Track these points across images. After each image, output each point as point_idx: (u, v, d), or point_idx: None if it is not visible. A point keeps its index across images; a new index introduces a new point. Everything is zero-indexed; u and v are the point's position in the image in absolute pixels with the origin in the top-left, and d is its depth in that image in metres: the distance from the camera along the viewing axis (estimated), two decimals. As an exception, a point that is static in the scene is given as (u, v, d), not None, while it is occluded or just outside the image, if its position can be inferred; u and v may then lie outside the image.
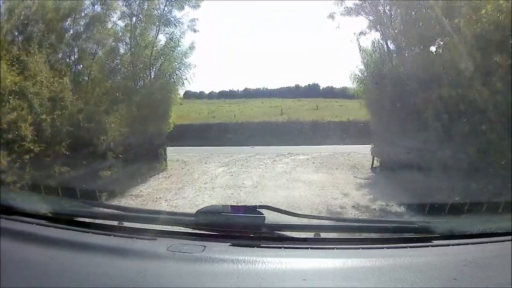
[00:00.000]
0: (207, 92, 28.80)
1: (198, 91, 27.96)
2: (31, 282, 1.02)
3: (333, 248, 1.22)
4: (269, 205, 1.42)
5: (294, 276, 1.05)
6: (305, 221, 1.44)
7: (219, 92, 28.82)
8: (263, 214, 1.34)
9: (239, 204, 1.44)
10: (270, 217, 1.36)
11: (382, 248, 1.23)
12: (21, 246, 1.21)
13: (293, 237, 1.30)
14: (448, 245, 1.24)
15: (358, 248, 1.21)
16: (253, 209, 1.36)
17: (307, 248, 1.21)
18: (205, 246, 1.17)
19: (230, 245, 1.20)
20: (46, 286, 1.00)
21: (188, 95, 26.43)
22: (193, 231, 1.31)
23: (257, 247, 1.20)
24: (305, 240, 1.29)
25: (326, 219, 1.56)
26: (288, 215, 1.44)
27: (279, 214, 1.42)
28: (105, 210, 1.51)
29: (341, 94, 20.97)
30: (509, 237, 1.27)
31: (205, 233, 1.30)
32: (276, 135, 14.81)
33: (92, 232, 1.30)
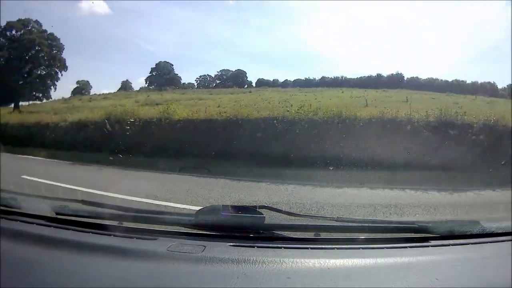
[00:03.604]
0: (281, 80, 26.68)
1: (271, 79, 26.54)
2: (31, 282, 1.02)
3: (333, 248, 1.22)
4: (269, 205, 1.42)
5: (294, 276, 1.05)
6: (305, 221, 1.45)
7: (294, 80, 26.22)
8: (263, 214, 1.34)
9: (239, 204, 1.44)
10: (270, 217, 1.36)
11: (382, 248, 1.23)
12: (21, 246, 1.21)
13: (293, 237, 1.30)
14: (448, 245, 1.24)
15: (358, 248, 1.21)
16: (253, 209, 1.37)
17: (307, 248, 1.21)
18: (205, 246, 1.17)
19: (230, 245, 1.20)
20: (46, 286, 1.01)
21: (261, 83, 25.52)
22: (193, 231, 1.31)
23: (257, 247, 1.20)
24: (305, 240, 1.29)
25: (326, 219, 1.56)
26: (288, 215, 1.44)
27: (279, 214, 1.42)
28: (105, 210, 1.51)
29: (428, 85, 19.20)
30: (509, 237, 1.27)
31: (205, 233, 1.30)
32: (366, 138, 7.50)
33: (92, 232, 1.30)
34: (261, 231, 1.29)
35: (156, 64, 26.58)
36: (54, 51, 24.66)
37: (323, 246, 1.24)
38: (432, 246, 1.24)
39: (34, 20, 24.38)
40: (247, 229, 1.30)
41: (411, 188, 5.41)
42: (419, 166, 6.18)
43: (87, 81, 29.54)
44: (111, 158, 8.61)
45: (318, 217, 1.60)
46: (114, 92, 26.38)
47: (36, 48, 24.08)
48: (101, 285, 1.01)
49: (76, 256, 1.15)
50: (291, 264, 1.09)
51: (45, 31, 24.53)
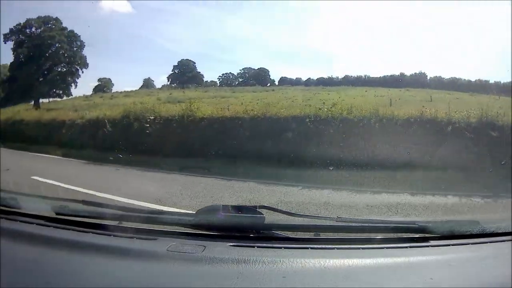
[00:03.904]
0: (304, 78, 26.08)
1: (294, 78, 25.98)
2: (31, 282, 1.02)
3: (333, 248, 1.22)
4: (269, 205, 1.43)
5: (294, 276, 1.05)
6: (305, 221, 1.44)
7: (317, 79, 25.59)
8: (263, 214, 1.34)
9: (239, 204, 1.44)
10: (270, 217, 1.36)
11: (382, 248, 1.23)
12: (21, 246, 1.21)
13: (293, 237, 1.30)
14: (448, 245, 1.24)
15: (358, 248, 1.21)
16: (253, 209, 1.37)
17: (307, 248, 1.21)
18: (205, 246, 1.17)
19: (230, 245, 1.20)
20: (46, 286, 1.01)
21: (284, 81, 25.07)
22: (193, 231, 1.31)
23: (257, 247, 1.20)
24: (305, 240, 1.29)
25: (326, 219, 1.56)
26: (288, 215, 1.44)
27: (279, 214, 1.42)
28: (105, 210, 1.51)
29: (451, 85, 18.38)
30: (508, 237, 1.27)
31: (205, 233, 1.30)
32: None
33: (92, 232, 1.30)
34: (261, 231, 1.29)
35: (178, 62, 26.43)
36: (75, 48, 24.54)
37: (323, 246, 1.24)
38: (432, 246, 1.24)
39: (54, 17, 24.23)
40: (247, 229, 1.30)
41: (472, 195, 4.73)
42: (469, 169, 5.62)
43: (109, 79, 29.47)
44: (129, 157, 7.96)
45: (318, 217, 1.60)
46: (135, 90, 26.28)
47: (56, 45, 23.97)
48: (101, 285, 1.01)
49: (76, 256, 1.15)
50: (291, 264, 1.09)
51: (65, 28, 24.38)
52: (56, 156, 10.60)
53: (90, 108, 15.21)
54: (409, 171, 5.50)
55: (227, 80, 27.15)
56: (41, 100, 24.22)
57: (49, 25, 24.17)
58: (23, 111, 16.93)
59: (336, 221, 1.42)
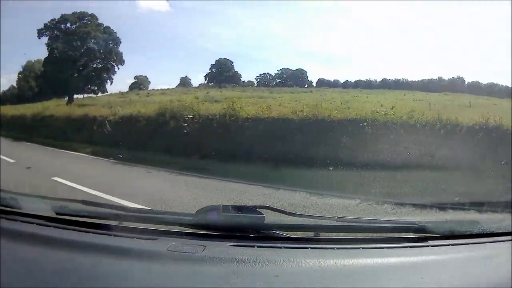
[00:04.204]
0: (342, 80, 26.13)
1: (332, 79, 26.06)
2: (31, 282, 1.02)
3: (333, 248, 1.22)
4: (269, 205, 1.43)
5: (294, 276, 1.05)
6: (305, 221, 1.44)
7: (355, 81, 25.59)
8: (263, 214, 1.34)
9: (239, 204, 1.44)
10: (270, 217, 1.36)
11: (382, 248, 1.23)
12: (21, 246, 1.21)
13: (293, 237, 1.30)
14: (448, 245, 1.24)
15: (358, 248, 1.21)
16: (253, 209, 1.37)
17: (307, 248, 1.21)
18: (205, 246, 1.17)
19: (230, 245, 1.20)
20: (46, 286, 1.01)
21: (322, 83, 25.17)
22: (193, 231, 1.31)
23: (257, 247, 1.20)
24: (305, 240, 1.29)
25: (326, 219, 1.56)
26: (288, 215, 1.44)
27: (279, 214, 1.42)
28: (105, 210, 1.51)
29: (488, 90, 18.11)
30: (509, 237, 1.27)
31: (205, 233, 1.30)
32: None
33: (92, 232, 1.30)
34: (261, 231, 1.29)
35: (216, 61, 26.39)
36: (110, 45, 24.23)
37: (323, 246, 1.24)
38: (432, 246, 1.23)
39: (89, 14, 24.02)
40: (247, 229, 1.30)
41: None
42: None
43: (145, 76, 29.39)
44: (163, 158, 7.41)
45: (318, 217, 1.60)
46: (172, 88, 26.13)
47: (92, 41, 23.71)
48: (101, 285, 1.01)
49: (76, 256, 1.15)
50: (291, 264, 1.09)
51: (101, 24, 24.09)
52: (84, 154, 9.96)
53: (125, 105, 14.33)
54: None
55: (264, 81, 27.12)
56: (75, 96, 24.11)
57: (84, 21, 23.90)
58: (53, 106, 16.56)
59: (336, 221, 1.42)
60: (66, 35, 23.61)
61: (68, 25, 23.99)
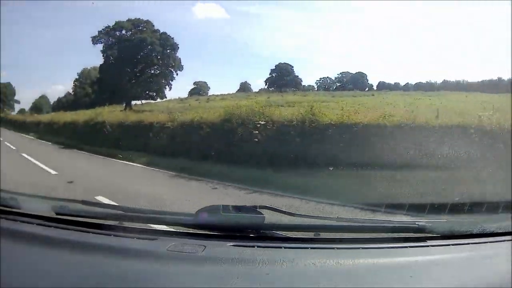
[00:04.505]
0: (402, 83, 25.79)
1: (392, 82, 25.79)
2: (31, 282, 1.02)
3: (333, 248, 1.22)
4: (269, 205, 1.43)
5: (294, 276, 1.05)
6: (305, 221, 1.44)
7: (415, 83, 25.29)
8: (263, 214, 1.34)
9: (239, 204, 1.44)
10: (270, 217, 1.36)
11: (382, 248, 1.23)
12: (21, 246, 1.21)
13: (293, 237, 1.30)
14: (448, 245, 1.24)
15: (358, 248, 1.21)
16: (253, 209, 1.37)
17: (307, 248, 1.21)
18: (205, 246, 1.17)
19: (230, 245, 1.20)
20: (46, 286, 1.01)
21: (382, 86, 25.09)
22: (193, 231, 1.31)
23: (257, 247, 1.20)
24: (305, 240, 1.29)
25: (326, 219, 1.56)
26: (288, 215, 1.44)
27: (279, 214, 1.42)
28: (105, 210, 1.51)
29: None
30: (509, 237, 1.27)
31: (205, 233, 1.30)
32: None
33: (92, 232, 1.30)
34: (261, 231, 1.29)
35: (276, 66, 26.44)
36: (168, 50, 24.15)
37: (323, 246, 1.24)
38: (432, 246, 1.23)
39: (144, 20, 24.02)
40: (247, 229, 1.30)
41: None
42: None
43: (205, 82, 29.47)
44: (230, 170, 6.47)
45: (318, 217, 1.60)
46: (232, 93, 26.10)
47: (148, 47, 23.62)
48: (101, 285, 1.01)
49: (76, 256, 1.15)
50: (291, 264, 1.09)
51: (157, 30, 24.07)
52: (138, 165, 8.88)
53: (184, 110, 13.51)
54: None
55: (324, 84, 27.26)
56: (133, 102, 24.05)
57: (140, 28, 23.88)
58: (106, 112, 15.66)
59: (336, 221, 1.42)
60: (121, 42, 23.63)
61: (123, 31, 24.03)
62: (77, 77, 29.44)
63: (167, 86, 25.01)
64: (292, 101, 13.30)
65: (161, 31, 24.03)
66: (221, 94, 25.92)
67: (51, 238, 1.26)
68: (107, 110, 16.55)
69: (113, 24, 23.76)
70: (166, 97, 25.08)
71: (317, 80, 27.78)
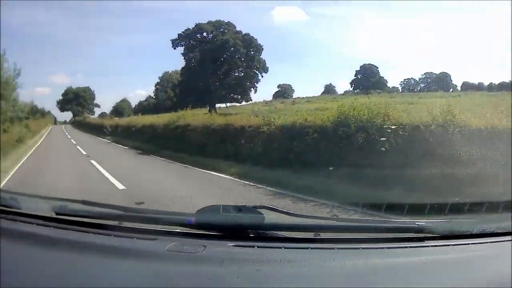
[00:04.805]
0: (486, 83, 24.89)
1: (476, 82, 24.94)
2: (31, 282, 1.02)
3: (333, 248, 1.22)
4: (269, 205, 1.43)
5: (294, 276, 1.05)
6: (305, 221, 1.44)
7: (499, 83, 23.60)
8: (262, 214, 1.35)
9: (239, 204, 1.44)
10: (270, 217, 1.36)
11: (382, 248, 1.23)
12: (21, 246, 1.21)
13: (293, 237, 1.30)
14: (448, 245, 1.24)
15: (358, 248, 1.21)
16: (253, 209, 1.37)
17: (307, 248, 1.21)
18: (205, 246, 1.17)
19: (230, 245, 1.20)
20: (46, 286, 1.01)
21: (466, 86, 24.41)
22: (193, 231, 1.31)
23: (257, 247, 1.20)
24: (305, 240, 1.29)
25: (326, 219, 1.56)
26: (287, 215, 1.44)
27: (279, 214, 1.42)
28: (105, 210, 1.50)
29: None
30: (509, 237, 1.27)
31: (205, 233, 1.30)
32: None
33: (92, 232, 1.30)
34: (261, 231, 1.29)
35: (360, 67, 26.17)
36: (252, 52, 23.68)
37: (323, 246, 1.24)
38: (432, 246, 1.24)
39: (225, 22, 23.61)
40: (247, 229, 1.30)
41: None
42: None
43: (289, 85, 29.26)
44: (348, 189, 5.05)
45: (318, 217, 1.60)
46: (317, 96, 25.78)
47: (231, 49, 23.22)
48: (101, 285, 1.01)
49: (76, 256, 1.15)
50: (291, 264, 1.09)
51: (240, 32, 23.63)
52: (227, 176, 7.24)
53: (271, 113, 12.14)
54: None
55: (409, 86, 26.78)
56: (217, 105, 23.65)
57: (221, 29, 23.49)
58: (190, 115, 14.36)
59: (336, 221, 1.42)
60: (203, 44, 23.30)
61: (204, 34, 23.69)
62: (158, 80, 29.19)
63: (252, 89, 24.48)
64: (379, 103, 12.38)
65: (244, 33, 23.48)
66: (306, 97, 25.59)
67: (51, 238, 1.26)
68: (190, 112, 15.14)
69: (193, 26, 23.47)
70: (251, 100, 24.64)
71: (401, 81, 27.26)
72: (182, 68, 24.49)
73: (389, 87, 26.16)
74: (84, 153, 13.26)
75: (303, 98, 25.59)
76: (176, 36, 23.82)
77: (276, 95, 28.00)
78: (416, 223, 1.32)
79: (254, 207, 1.38)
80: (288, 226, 1.37)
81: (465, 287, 1.01)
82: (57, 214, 1.44)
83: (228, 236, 1.26)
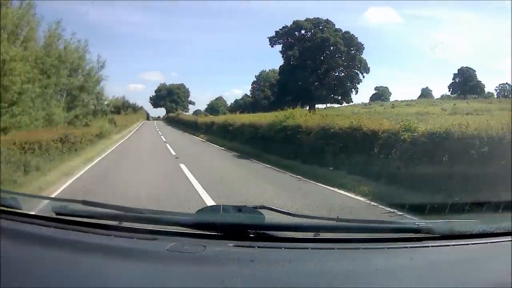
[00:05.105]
0: None
1: None
2: (31, 282, 1.02)
3: (333, 248, 1.22)
4: (269, 205, 1.43)
5: (294, 276, 1.05)
6: (305, 221, 1.44)
7: None
8: (262, 214, 1.35)
9: (239, 204, 1.44)
10: (270, 217, 1.36)
11: (382, 248, 1.23)
12: (21, 246, 1.21)
13: (293, 237, 1.30)
14: (448, 245, 1.24)
15: (358, 248, 1.21)
16: (253, 209, 1.37)
17: (307, 248, 1.21)
18: (205, 246, 1.17)
19: (230, 245, 1.20)
20: (46, 286, 1.01)
21: None
22: (193, 231, 1.31)
23: (257, 247, 1.20)
24: (305, 240, 1.29)
25: (326, 219, 1.56)
26: (288, 215, 1.44)
27: (279, 214, 1.42)
28: (105, 210, 1.50)
29: None
30: (509, 237, 1.27)
31: (205, 233, 1.30)
32: None
33: (92, 232, 1.30)
34: (261, 231, 1.29)
35: (458, 70, 25.84)
36: (353, 51, 22.62)
37: (323, 246, 1.24)
38: (432, 246, 1.24)
39: (324, 19, 22.77)
40: (247, 229, 1.30)
41: None
42: None
43: (386, 87, 28.68)
44: None
45: (318, 217, 1.60)
46: (415, 99, 24.99)
47: (331, 48, 22.24)
48: (101, 285, 1.01)
49: (76, 256, 1.15)
50: (291, 264, 1.09)
51: (339, 30, 22.58)
52: (358, 198, 5.44)
53: (371, 116, 10.59)
54: None
55: (503, 91, 26.21)
56: (317, 106, 22.95)
57: (320, 27, 22.66)
58: (298, 115, 12.23)
59: (336, 221, 1.42)
60: (301, 42, 22.34)
61: (303, 32, 22.80)
62: (254, 79, 28.87)
63: (353, 89, 23.38)
64: (479, 109, 10.13)
65: (344, 30, 22.21)
66: (405, 100, 24.81)
67: (51, 238, 1.26)
68: (298, 112, 13.17)
69: (291, 24, 22.52)
70: (352, 101, 23.58)
71: (496, 87, 26.57)
72: (280, 66, 23.67)
73: (483, 92, 24.90)
74: (173, 153, 11.89)
75: (401, 101, 24.55)
76: (273, 34, 22.93)
77: (373, 98, 27.45)
78: (416, 223, 1.32)
79: (254, 207, 1.38)
80: (288, 226, 1.37)
81: (465, 287, 1.01)
82: (57, 214, 1.44)
83: (228, 236, 1.26)
